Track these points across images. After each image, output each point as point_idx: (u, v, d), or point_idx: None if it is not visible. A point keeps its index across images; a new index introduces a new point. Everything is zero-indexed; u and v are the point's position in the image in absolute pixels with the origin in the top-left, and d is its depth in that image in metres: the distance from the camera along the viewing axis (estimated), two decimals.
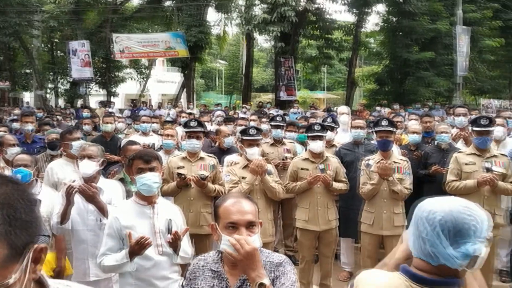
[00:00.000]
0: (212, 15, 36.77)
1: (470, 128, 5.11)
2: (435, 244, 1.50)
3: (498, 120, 5.50)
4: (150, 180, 3.02)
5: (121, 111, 17.86)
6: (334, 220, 4.87)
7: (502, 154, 4.63)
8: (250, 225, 2.07)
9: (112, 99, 22.65)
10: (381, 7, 21.91)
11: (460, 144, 5.87)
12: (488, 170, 4.38)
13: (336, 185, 4.80)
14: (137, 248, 2.80)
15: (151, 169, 3.06)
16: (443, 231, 1.49)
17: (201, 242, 4.50)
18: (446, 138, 5.60)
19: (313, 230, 4.79)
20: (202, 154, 4.91)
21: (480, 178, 4.33)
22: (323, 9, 20.68)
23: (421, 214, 1.58)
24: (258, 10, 20.44)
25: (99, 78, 23.77)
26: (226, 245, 2.04)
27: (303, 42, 23.13)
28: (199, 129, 4.92)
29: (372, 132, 6.29)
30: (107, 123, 7.13)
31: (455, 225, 1.49)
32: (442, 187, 4.77)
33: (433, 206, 1.56)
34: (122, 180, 4.15)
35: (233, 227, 2.05)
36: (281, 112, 12.99)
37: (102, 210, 3.45)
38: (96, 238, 3.57)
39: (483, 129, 4.49)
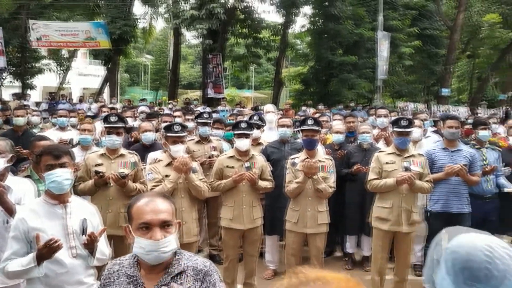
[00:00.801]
0: (138, 8, 35.77)
1: (390, 128, 5.30)
2: (439, 274, 1.41)
3: (416, 122, 5.76)
4: (61, 176, 2.78)
5: (37, 104, 16.78)
6: (259, 219, 4.84)
7: (419, 154, 4.83)
8: (165, 225, 1.96)
9: (29, 91, 21.20)
10: (308, 9, 22.46)
11: (381, 144, 6.08)
12: (407, 169, 4.54)
13: (262, 183, 4.76)
14: (46, 252, 2.57)
15: (62, 165, 2.82)
16: (453, 266, 1.38)
17: (120, 244, 4.27)
18: (367, 138, 5.78)
19: (238, 229, 4.72)
20: (123, 151, 4.69)
21: (399, 177, 4.48)
22: (252, 8, 20.77)
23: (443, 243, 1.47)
24: (186, 6, 20.10)
25: (14, 69, 22.17)
26: (138, 249, 1.91)
27: (232, 40, 23.10)
28: (119, 124, 4.68)
29: (298, 131, 6.38)
30: (19, 116, 6.63)
31: (465, 263, 1.35)
32: (364, 186, 4.91)
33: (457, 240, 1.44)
34: (28, 177, 3.82)
35: (147, 227, 1.94)
36: (208, 109, 12.84)
37: (10, 211, 3.14)
38: (2, 241, 3.24)
39: (403, 130, 4.65)
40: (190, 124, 6.84)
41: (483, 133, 5.46)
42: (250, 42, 22.36)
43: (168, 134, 4.51)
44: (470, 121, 8.75)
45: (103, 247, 2.93)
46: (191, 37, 28.92)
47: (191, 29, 20.06)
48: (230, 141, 6.33)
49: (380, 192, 4.70)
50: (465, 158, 5.01)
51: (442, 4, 24.38)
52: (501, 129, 8.16)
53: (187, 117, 7.60)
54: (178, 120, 7.14)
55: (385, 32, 17.04)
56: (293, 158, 4.80)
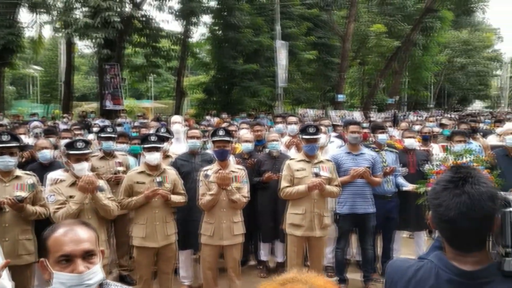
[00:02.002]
0: (25, 15, 33.31)
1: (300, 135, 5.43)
2: None
3: (322, 129, 5.98)
4: None
5: None
6: (173, 235, 4.69)
7: (327, 160, 5.01)
8: (88, 255, 1.78)
9: None
10: (208, 18, 22.54)
11: (293, 151, 6.20)
12: (317, 175, 4.69)
13: (175, 198, 4.63)
14: None
15: None
16: None
17: (21, 275, 3.89)
18: (277, 146, 5.88)
19: (152, 247, 4.54)
20: (18, 172, 4.27)
21: (310, 183, 4.61)
22: (150, 17, 20.32)
23: None
24: (79, 14, 19.06)
25: None
26: (58, 285, 1.72)
27: (130, 49, 22.40)
28: (13, 143, 4.26)
29: (207, 141, 6.32)
30: None
31: None
32: (276, 193, 4.97)
33: None
34: None
35: (67, 260, 1.75)
36: (107, 122, 12.28)
37: None
38: None
39: (311, 137, 4.80)
40: (90, 137, 6.46)
41: (381, 137, 5.81)
42: (149, 52, 21.85)
43: (71, 152, 4.21)
44: (365, 125, 9.29)
45: (5, 282, 2.63)
46: (83, 46, 27.58)
47: (85, 38, 19.05)
48: (136, 156, 6.09)
49: (293, 199, 4.79)
50: (368, 161, 5.29)
51: (334, 14, 25.87)
52: (395, 132, 8.78)
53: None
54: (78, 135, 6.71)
55: (283, 41, 17.64)
56: (205, 170, 4.73)
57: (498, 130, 8.33)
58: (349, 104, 34.69)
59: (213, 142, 4.76)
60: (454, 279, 1.51)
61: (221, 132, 4.74)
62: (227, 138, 4.70)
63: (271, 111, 20.82)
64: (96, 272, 1.79)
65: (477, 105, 69.61)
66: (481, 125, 11.96)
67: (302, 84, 24.51)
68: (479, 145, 6.72)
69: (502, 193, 1.64)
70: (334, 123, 10.13)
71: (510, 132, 5.65)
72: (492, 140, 8.07)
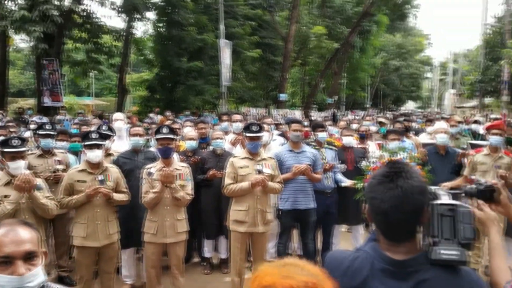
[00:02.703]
0: None
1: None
2: None
3: (264, 126, 6.11)
4: None
5: None
6: (115, 234, 4.63)
7: (270, 157, 5.12)
8: (29, 257, 1.74)
9: None
10: (151, 15, 22.10)
11: (238, 148, 6.27)
12: (260, 172, 4.79)
13: (117, 196, 4.56)
14: None
15: None
16: None
17: None
18: (221, 143, 5.94)
19: (93, 247, 4.45)
20: None
21: (253, 180, 4.70)
22: (91, 12, 19.62)
23: None
24: (13, 6, 18.00)
25: None
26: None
27: (70, 45, 21.54)
28: None
29: (150, 139, 6.26)
30: None
31: None
32: (220, 190, 5.03)
33: None
34: None
35: (7, 261, 1.70)
36: (45, 119, 11.80)
37: None
38: None
39: (254, 134, 4.89)
40: (27, 134, 6.21)
41: (321, 135, 6.01)
42: (90, 47, 21.10)
43: (5, 150, 4.06)
44: (306, 123, 9.55)
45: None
46: (19, 40, 26.20)
47: (21, 32, 18.07)
48: (77, 154, 5.93)
49: (236, 196, 4.87)
50: (309, 158, 5.47)
51: (276, 16, 26.21)
52: (335, 130, 9.07)
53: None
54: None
55: (226, 40, 17.67)
56: (148, 168, 4.70)
57: (429, 129, 8.84)
58: (290, 103, 35.28)
59: (157, 139, 4.74)
60: (386, 268, 1.61)
61: (164, 130, 4.73)
62: (170, 136, 4.70)
63: (215, 109, 20.81)
64: (37, 274, 1.75)
65: (410, 106, 72.93)
66: (413, 124, 12.60)
67: (246, 83, 24.64)
68: (412, 143, 7.10)
69: (432, 187, 1.79)
70: (276, 121, 10.32)
71: (440, 131, 6.03)
72: (423, 138, 8.54)
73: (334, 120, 18.16)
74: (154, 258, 4.69)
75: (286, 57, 24.34)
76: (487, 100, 35.56)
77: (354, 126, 9.45)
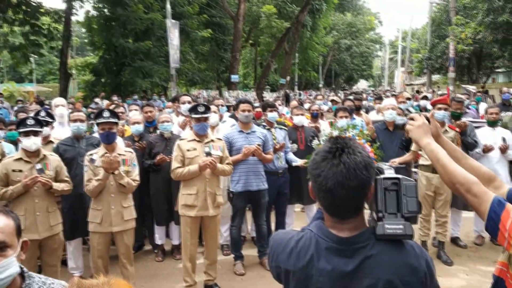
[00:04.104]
0: None
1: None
2: None
3: (212, 108, 5.96)
4: None
5: None
6: (58, 225, 4.39)
7: (218, 139, 4.98)
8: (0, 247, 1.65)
9: None
10: None
11: (187, 131, 6.09)
12: (208, 154, 4.65)
13: (58, 185, 4.31)
14: None
15: None
16: None
17: None
18: (168, 127, 5.75)
19: (33, 239, 4.18)
20: None
21: (202, 162, 4.56)
22: None
23: None
24: None
25: None
26: None
27: (5, 28, 20.31)
28: None
29: (94, 124, 5.97)
30: None
31: None
32: (169, 175, 4.86)
33: None
34: None
35: None
36: None
37: None
38: None
39: (200, 115, 4.72)
40: None
41: (271, 115, 5.93)
42: (28, 30, 19.96)
43: None
44: (257, 104, 9.46)
45: None
46: None
47: None
48: (15, 143, 5.59)
49: (185, 179, 4.72)
50: (259, 139, 5.37)
51: None
52: (285, 110, 9.04)
53: None
54: None
55: (173, 20, 17.16)
56: (90, 154, 4.47)
57: (378, 106, 8.96)
58: (243, 84, 35.10)
59: (98, 124, 4.50)
60: (332, 246, 1.56)
61: (106, 114, 4.49)
62: (112, 120, 4.47)
63: (165, 92, 20.33)
64: (6, 265, 1.66)
65: (362, 84, 74.46)
66: (364, 102, 12.76)
67: (196, 65, 24.18)
68: (362, 121, 7.15)
69: (381, 163, 1.74)
70: (228, 103, 10.18)
71: (387, 108, 6.07)
72: (374, 115, 8.65)
73: (288, 100, 18.17)
74: (100, 248, 4.49)
75: (237, 37, 24.03)
76: (435, 77, 36.69)
77: (307, 105, 9.45)
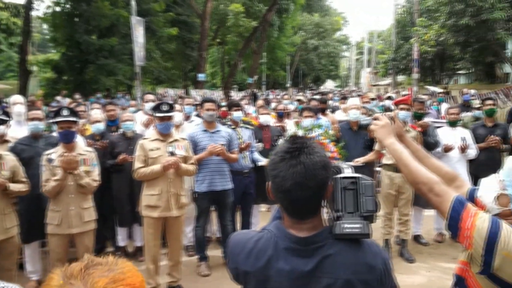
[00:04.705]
0: None
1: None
2: None
3: (176, 107, 5.88)
4: None
5: None
6: (13, 227, 4.21)
7: (182, 138, 4.91)
8: None
9: None
10: None
11: (151, 130, 5.98)
12: (172, 154, 4.58)
13: (15, 186, 4.14)
14: None
15: None
16: None
17: None
18: (131, 126, 5.63)
19: None
20: None
21: (165, 162, 4.48)
22: None
23: None
24: None
25: None
26: None
27: None
28: None
29: (53, 123, 5.79)
30: None
31: None
32: (132, 175, 4.76)
33: None
34: None
35: None
36: None
37: None
38: None
39: (164, 114, 4.64)
40: None
41: (237, 114, 5.89)
42: None
43: None
44: (224, 103, 9.42)
45: None
46: None
47: None
48: None
49: (148, 179, 4.63)
50: (224, 138, 5.33)
51: None
52: (252, 109, 9.02)
53: None
54: None
55: (139, 17, 16.85)
56: (48, 154, 4.31)
57: (343, 106, 9.06)
58: (211, 83, 34.92)
59: (56, 123, 4.35)
60: (291, 247, 1.55)
61: (65, 112, 4.34)
62: (71, 118, 4.33)
63: (130, 91, 19.96)
64: None
65: (329, 84, 75.30)
66: (330, 102, 12.89)
67: (162, 63, 23.83)
68: (328, 120, 7.20)
69: (345, 163, 1.74)
70: (196, 102, 10.07)
71: (351, 108, 6.13)
72: (339, 115, 8.74)
73: (255, 100, 18.17)
74: (59, 250, 4.34)
75: (204, 36, 23.84)
76: (400, 78, 37.47)
77: (273, 105, 9.46)
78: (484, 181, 1.94)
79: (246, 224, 5.98)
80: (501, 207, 1.81)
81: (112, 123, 6.12)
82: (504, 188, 1.81)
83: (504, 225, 1.70)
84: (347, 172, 1.67)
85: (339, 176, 1.63)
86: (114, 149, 5.54)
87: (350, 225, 1.54)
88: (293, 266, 1.53)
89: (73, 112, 4.43)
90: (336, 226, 1.54)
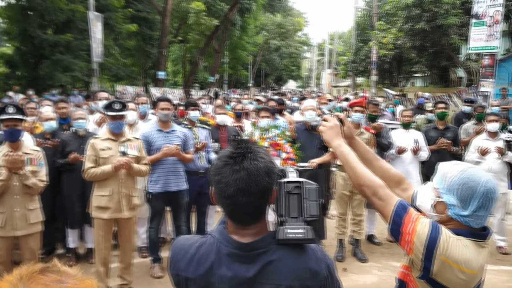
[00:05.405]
0: None
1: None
2: None
3: (130, 105, 5.77)
4: None
5: None
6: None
7: (135, 138, 4.80)
8: None
9: None
10: None
11: (104, 129, 5.83)
12: (124, 154, 4.47)
13: None
14: None
15: None
16: None
17: None
18: (83, 124, 5.47)
19: None
20: None
21: (116, 162, 4.37)
22: None
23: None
24: None
25: None
26: None
27: None
28: None
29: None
30: None
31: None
32: (82, 175, 4.62)
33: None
34: None
35: None
36: None
37: None
38: None
39: (116, 113, 4.52)
40: None
41: (193, 113, 5.81)
42: None
43: None
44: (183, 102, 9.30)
45: None
46: None
47: None
48: None
49: (99, 180, 4.50)
50: (179, 138, 5.25)
51: None
52: (210, 108, 8.94)
53: None
54: None
55: (96, 13, 16.43)
56: None
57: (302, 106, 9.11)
58: (173, 82, 34.49)
59: (2, 121, 4.16)
60: (233, 252, 1.52)
61: (10, 110, 4.16)
62: (17, 116, 4.15)
63: (87, 88, 19.44)
64: None
65: (291, 85, 75.94)
66: (289, 102, 12.97)
67: (121, 60, 23.31)
68: (285, 121, 7.22)
69: (292, 166, 1.72)
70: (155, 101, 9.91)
71: (308, 108, 6.17)
72: (297, 116, 8.79)
73: (217, 98, 18.07)
74: (2, 253, 4.15)
75: (164, 33, 23.50)
76: (359, 79, 38.19)
77: (232, 104, 9.44)
78: (421, 189, 1.98)
79: (201, 225, 5.92)
80: (438, 214, 1.84)
81: (64, 121, 5.92)
82: (439, 196, 1.84)
83: (444, 231, 1.74)
84: (292, 176, 1.66)
85: (283, 180, 1.61)
86: (65, 148, 5.36)
87: (293, 230, 1.52)
88: (235, 273, 1.50)
89: (19, 110, 4.25)
90: (280, 231, 1.53)
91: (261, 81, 55.53)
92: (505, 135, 6.24)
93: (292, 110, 10.16)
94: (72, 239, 5.62)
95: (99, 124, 6.12)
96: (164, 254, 5.53)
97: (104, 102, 6.15)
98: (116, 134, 4.59)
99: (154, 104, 8.63)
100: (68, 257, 5.65)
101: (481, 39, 13.47)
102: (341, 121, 2.13)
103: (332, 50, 54.24)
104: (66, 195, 5.44)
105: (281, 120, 7.03)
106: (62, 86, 17.03)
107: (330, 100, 9.27)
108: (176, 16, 25.80)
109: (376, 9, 26.64)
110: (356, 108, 5.64)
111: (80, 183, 5.28)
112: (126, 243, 4.68)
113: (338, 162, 5.85)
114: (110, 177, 4.44)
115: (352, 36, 34.74)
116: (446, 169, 1.86)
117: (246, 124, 7.20)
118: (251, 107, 9.80)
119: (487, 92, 13.25)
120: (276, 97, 10.59)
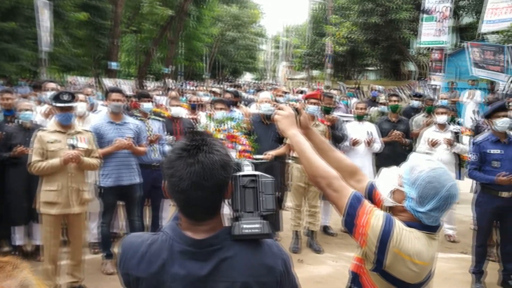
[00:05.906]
0: None
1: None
2: None
3: (80, 96, 5.55)
4: None
5: None
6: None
7: (85, 130, 4.63)
8: None
9: None
10: None
11: (52, 121, 5.59)
12: (73, 146, 4.30)
13: None
14: None
15: None
16: None
17: None
18: (30, 116, 5.22)
19: None
20: None
21: (65, 156, 4.20)
22: None
23: None
24: None
25: None
26: None
27: None
28: None
29: None
30: None
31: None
32: (28, 169, 4.41)
33: None
34: None
35: None
36: None
37: None
38: None
39: (64, 105, 4.33)
40: None
41: (146, 105, 5.68)
42: None
43: None
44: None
45: None
46: None
47: None
48: None
49: (46, 174, 4.31)
50: (132, 130, 5.11)
51: None
52: (164, 100, 8.78)
53: None
54: None
55: (45, 0, 15.73)
56: None
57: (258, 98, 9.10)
58: (127, 73, 33.64)
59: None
60: (186, 250, 1.46)
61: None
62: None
63: (35, 78, 18.62)
64: None
65: (247, 77, 75.87)
66: (244, 94, 12.95)
67: (72, 50, 22.43)
68: (241, 113, 7.18)
69: (247, 159, 1.67)
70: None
71: (264, 101, 6.16)
72: (253, 108, 8.77)
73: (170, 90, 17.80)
74: None
75: (116, 23, 22.84)
76: (315, 72, 38.64)
77: (188, 96, 9.31)
78: (385, 172, 1.96)
79: (155, 219, 5.82)
80: (394, 202, 1.85)
81: (9, 112, 5.62)
82: (401, 185, 1.84)
83: (397, 223, 1.74)
84: (247, 169, 1.62)
85: (238, 174, 1.56)
86: (10, 141, 5.11)
87: (249, 225, 1.48)
88: (189, 271, 1.45)
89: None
90: (235, 227, 1.48)
91: (217, 73, 55.18)
92: (453, 127, 6.46)
93: (248, 102, 10.14)
94: (18, 236, 5.38)
95: (47, 115, 5.86)
96: (117, 249, 5.38)
97: (52, 92, 5.91)
98: (65, 126, 4.40)
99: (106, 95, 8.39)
100: (15, 255, 5.39)
101: (430, 34, 13.91)
102: (296, 110, 2.10)
103: (288, 43, 54.56)
104: (11, 190, 5.19)
105: (236, 112, 6.98)
106: (5, 76, 16.14)
107: (285, 93, 9.31)
108: (129, 5, 25.12)
109: (331, 2, 26.98)
110: (311, 100, 5.66)
111: (26, 178, 5.04)
112: (76, 239, 4.52)
113: (294, 154, 5.87)
114: (59, 171, 4.27)
115: (307, 29, 35.06)
116: (417, 162, 1.84)
117: (202, 116, 7.11)
118: (206, 99, 9.70)
119: (437, 85, 13.71)
120: (231, 89, 10.53)
